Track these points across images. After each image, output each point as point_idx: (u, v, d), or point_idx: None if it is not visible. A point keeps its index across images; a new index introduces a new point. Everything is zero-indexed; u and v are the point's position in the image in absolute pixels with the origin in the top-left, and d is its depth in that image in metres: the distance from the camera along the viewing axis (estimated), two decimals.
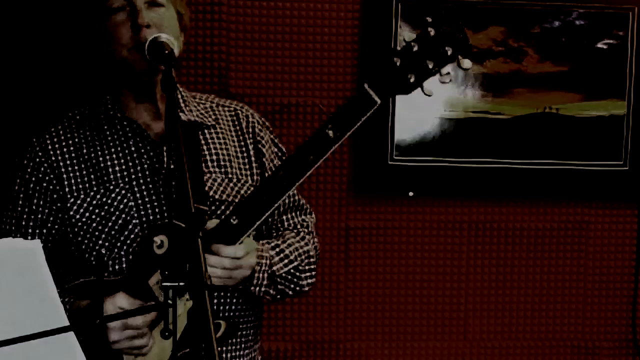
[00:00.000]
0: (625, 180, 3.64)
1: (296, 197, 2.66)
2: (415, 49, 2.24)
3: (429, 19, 2.24)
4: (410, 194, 3.56)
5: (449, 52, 2.24)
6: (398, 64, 2.24)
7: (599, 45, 3.60)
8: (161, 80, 2.19)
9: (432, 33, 2.24)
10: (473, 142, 3.56)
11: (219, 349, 2.31)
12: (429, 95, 2.26)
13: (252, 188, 2.49)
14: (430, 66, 2.24)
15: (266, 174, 2.55)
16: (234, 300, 2.50)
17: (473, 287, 3.62)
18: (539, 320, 3.66)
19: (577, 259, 3.67)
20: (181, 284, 1.90)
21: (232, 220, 2.27)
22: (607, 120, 3.62)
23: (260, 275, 2.42)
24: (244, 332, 2.54)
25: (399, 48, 2.24)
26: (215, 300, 2.47)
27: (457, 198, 3.60)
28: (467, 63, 2.27)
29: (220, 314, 2.47)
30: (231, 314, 2.49)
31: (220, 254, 2.28)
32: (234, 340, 2.51)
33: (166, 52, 2.25)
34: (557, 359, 3.66)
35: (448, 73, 2.27)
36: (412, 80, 2.24)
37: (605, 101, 3.62)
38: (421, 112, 3.52)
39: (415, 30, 3.46)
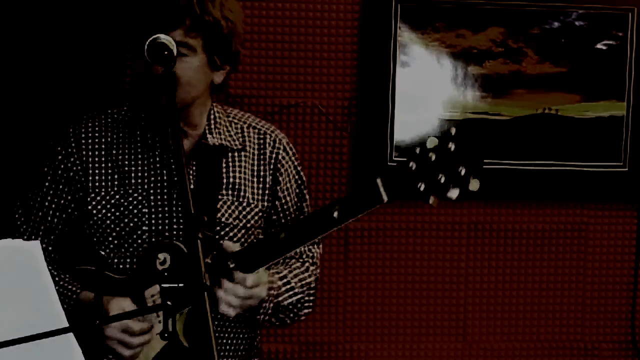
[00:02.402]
0: (624, 181, 3.63)
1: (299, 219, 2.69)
2: (433, 159, 2.31)
3: (453, 131, 2.30)
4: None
5: (462, 173, 2.31)
6: (413, 168, 2.31)
7: (599, 46, 3.60)
8: (161, 80, 2.19)
9: (452, 148, 2.31)
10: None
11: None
12: (432, 206, 2.36)
13: (260, 214, 2.58)
14: (442, 181, 2.32)
15: (277, 202, 2.61)
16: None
17: (472, 288, 3.62)
18: (539, 321, 3.66)
19: (577, 260, 3.67)
20: (180, 284, 1.91)
21: (229, 264, 2.36)
22: (606, 121, 3.61)
23: (267, 305, 2.50)
24: (239, 347, 2.59)
25: (418, 150, 2.31)
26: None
27: (457, 199, 3.59)
28: (474, 185, 2.35)
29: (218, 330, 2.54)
30: (228, 329, 2.56)
31: (236, 280, 2.36)
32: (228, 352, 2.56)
33: (165, 53, 2.25)
34: (556, 359, 3.67)
35: (457, 194, 2.36)
36: (421, 189, 2.32)
37: (604, 102, 3.61)
38: (420, 113, 3.52)
39: (415, 31, 3.50)
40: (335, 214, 2.33)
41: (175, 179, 2.49)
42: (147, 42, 2.29)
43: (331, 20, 3.49)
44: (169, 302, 1.84)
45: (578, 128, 3.60)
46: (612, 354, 3.69)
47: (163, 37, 2.29)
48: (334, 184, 3.53)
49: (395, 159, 3.51)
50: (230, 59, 2.53)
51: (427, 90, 3.51)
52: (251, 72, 3.46)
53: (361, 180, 3.47)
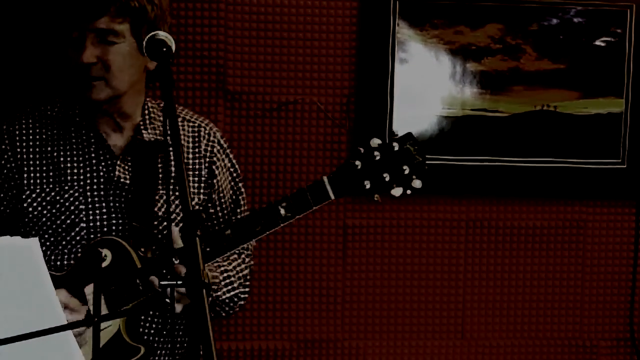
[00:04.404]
0: (623, 178, 3.63)
1: (245, 214, 2.72)
2: (377, 158, 2.41)
3: (397, 134, 2.44)
4: (408, 191, 3.55)
5: (406, 171, 2.42)
6: (359, 167, 2.41)
7: (597, 42, 3.60)
8: (159, 77, 2.19)
9: (396, 148, 2.43)
10: (471, 140, 3.55)
11: None
12: (377, 202, 2.45)
13: (196, 207, 2.60)
14: (387, 179, 2.42)
15: (213, 195, 2.64)
16: (154, 326, 2.56)
17: (471, 285, 3.62)
18: (537, 318, 3.66)
19: (575, 257, 3.67)
20: (179, 282, 1.92)
21: (174, 260, 2.39)
22: (605, 118, 3.61)
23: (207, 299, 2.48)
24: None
25: (362, 150, 2.42)
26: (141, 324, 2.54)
27: (455, 196, 3.60)
28: (417, 184, 2.46)
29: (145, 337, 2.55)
30: (150, 337, 2.55)
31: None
32: None
33: (164, 49, 2.25)
34: (555, 357, 3.66)
35: (400, 192, 2.45)
36: (367, 187, 2.41)
37: (603, 99, 3.61)
38: (419, 109, 3.52)
39: (414, 27, 3.49)
40: (282, 212, 2.38)
41: (117, 173, 2.52)
42: (145, 39, 2.28)
43: (330, 17, 3.49)
44: (167, 300, 1.84)
45: (577, 125, 3.60)
46: (611, 351, 3.69)
47: (162, 34, 2.28)
48: None
49: None
50: None
51: (426, 87, 3.51)
52: (250, 69, 3.45)
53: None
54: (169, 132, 2.04)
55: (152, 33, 2.30)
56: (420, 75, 3.50)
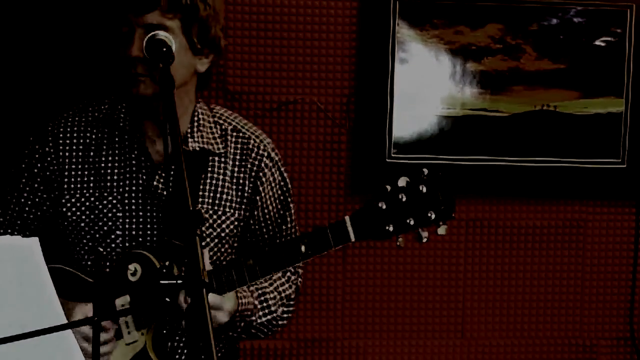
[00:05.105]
0: (623, 178, 3.63)
1: (293, 231, 2.68)
2: (403, 200, 2.31)
3: (425, 172, 2.31)
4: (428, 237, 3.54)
5: (432, 217, 2.32)
6: (383, 208, 2.31)
7: (597, 42, 3.60)
8: (159, 77, 2.19)
9: (424, 191, 2.31)
10: (471, 140, 3.55)
11: None
12: (400, 247, 2.36)
13: (236, 222, 2.54)
14: (411, 224, 2.32)
15: (255, 212, 2.59)
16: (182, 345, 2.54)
17: (471, 284, 3.62)
18: (537, 317, 3.66)
19: (575, 257, 3.67)
20: (179, 281, 1.92)
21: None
22: (604, 118, 3.61)
23: (239, 324, 2.49)
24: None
25: (388, 189, 2.31)
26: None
27: (455, 195, 3.59)
28: (442, 230, 2.36)
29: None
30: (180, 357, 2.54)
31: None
32: None
33: (164, 49, 2.25)
34: (555, 356, 3.66)
35: (426, 238, 2.36)
36: (390, 230, 2.33)
37: (603, 99, 3.61)
38: (419, 109, 3.52)
39: (414, 27, 3.49)
40: (303, 249, 2.34)
41: (155, 183, 2.48)
42: (145, 39, 2.28)
43: (330, 16, 3.49)
44: (167, 299, 1.84)
45: (577, 124, 3.60)
46: (611, 350, 3.69)
47: (161, 34, 2.28)
48: (332, 181, 3.53)
49: (394, 155, 3.50)
50: (210, 43, 2.47)
51: (426, 87, 3.51)
52: (250, 69, 3.45)
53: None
54: (168, 131, 2.04)
55: (152, 33, 2.30)
56: (420, 75, 3.50)
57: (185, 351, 2.52)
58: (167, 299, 2.27)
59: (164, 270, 2.31)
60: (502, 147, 3.57)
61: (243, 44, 3.45)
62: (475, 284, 3.62)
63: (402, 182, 2.33)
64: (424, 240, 2.35)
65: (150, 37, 2.28)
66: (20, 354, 1.58)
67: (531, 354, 3.65)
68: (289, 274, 2.63)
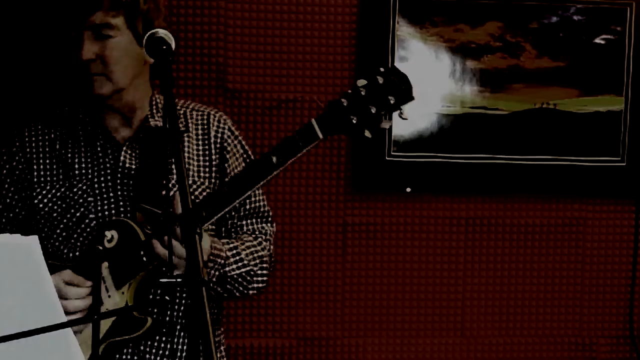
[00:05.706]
0: (622, 176, 3.64)
1: (259, 204, 2.73)
2: (363, 93, 2.38)
3: (382, 69, 2.38)
4: (408, 189, 3.56)
5: (392, 101, 2.38)
6: (345, 104, 2.37)
7: (597, 40, 3.60)
8: (160, 75, 2.20)
9: (381, 82, 2.38)
10: (470, 138, 3.56)
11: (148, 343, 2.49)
12: (369, 138, 2.40)
13: (208, 190, 2.60)
14: (373, 111, 2.38)
15: (225, 180, 2.64)
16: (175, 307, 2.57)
17: (470, 283, 3.62)
18: (537, 316, 3.66)
19: (575, 255, 3.67)
20: (179, 280, 1.93)
21: (175, 227, 2.38)
22: (604, 116, 3.61)
23: (212, 272, 2.50)
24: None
25: (349, 91, 2.39)
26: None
27: (455, 194, 3.60)
28: (406, 113, 2.40)
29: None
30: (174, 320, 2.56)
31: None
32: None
33: (164, 47, 2.26)
34: (554, 354, 3.67)
35: (389, 125, 2.41)
36: (354, 122, 2.37)
37: (602, 97, 3.61)
38: (419, 107, 3.52)
39: (414, 25, 3.49)
40: (274, 159, 2.37)
41: (122, 158, 2.56)
42: (145, 37, 2.29)
43: (329, 14, 3.49)
44: (167, 297, 1.85)
45: (576, 123, 3.60)
46: (610, 349, 3.69)
47: (161, 32, 2.29)
48: (332, 179, 3.53)
49: (394, 153, 3.51)
50: None
51: (426, 85, 3.51)
52: (249, 67, 3.46)
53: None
54: (167, 127, 2.04)
55: (152, 31, 2.30)
56: (420, 73, 3.50)
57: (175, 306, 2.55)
58: (142, 254, 2.36)
59: (139, 228, 2.41)
60: (501, 145, 3.57)
61: (243, 42, 3.45)
62: (475, 282, 3.63)
63: (360, 82, 2.40)
64: (387, 126, 2.39)
65: (149, 35, 2.28)
66: (20, 352, 1.59)
67: (530, 352, 3.65)
68: (260, 239, 2.67)
